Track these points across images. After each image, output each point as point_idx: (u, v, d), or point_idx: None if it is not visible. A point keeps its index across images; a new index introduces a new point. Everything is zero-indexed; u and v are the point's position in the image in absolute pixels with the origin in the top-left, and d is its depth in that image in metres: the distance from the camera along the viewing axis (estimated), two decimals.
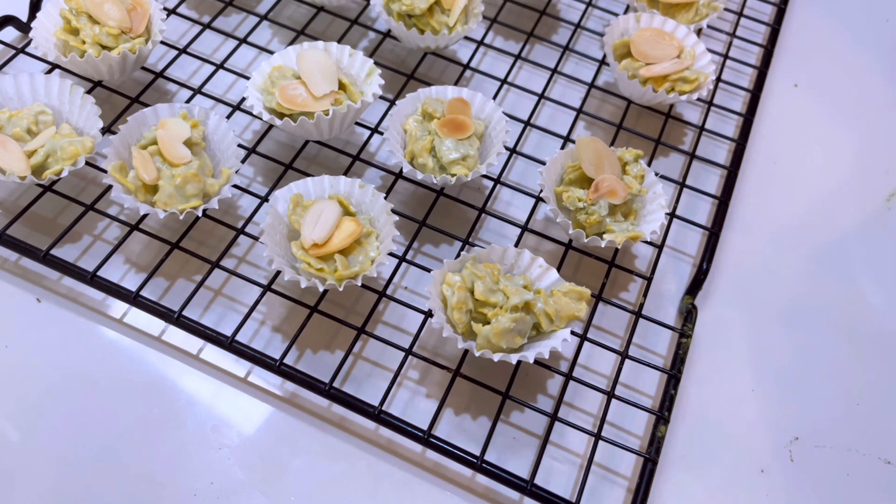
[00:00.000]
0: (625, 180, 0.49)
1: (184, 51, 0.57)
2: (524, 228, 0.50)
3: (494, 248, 0.45)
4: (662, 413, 0.45)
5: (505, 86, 0.59)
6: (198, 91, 0.55)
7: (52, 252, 0.46)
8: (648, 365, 0.46)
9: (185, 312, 0.45)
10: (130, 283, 0.48)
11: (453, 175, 0.48)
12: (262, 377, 0.46)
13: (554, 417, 0.44)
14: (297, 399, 0.45)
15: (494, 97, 0.56)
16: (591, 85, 0.60)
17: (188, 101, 0.54)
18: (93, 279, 0.45)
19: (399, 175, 0.52)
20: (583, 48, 0.64)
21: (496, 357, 0.41)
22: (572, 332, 0.44)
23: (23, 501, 0.41)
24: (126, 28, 0.51)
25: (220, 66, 0.56)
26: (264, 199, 0.50)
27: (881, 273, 0.54)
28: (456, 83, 0.60)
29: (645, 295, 0.49)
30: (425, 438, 0.42)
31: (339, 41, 0.56)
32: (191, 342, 0.46)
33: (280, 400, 0.45)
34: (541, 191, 0.49)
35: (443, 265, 0.44)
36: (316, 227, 0.44)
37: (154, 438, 0.43)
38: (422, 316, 0.46)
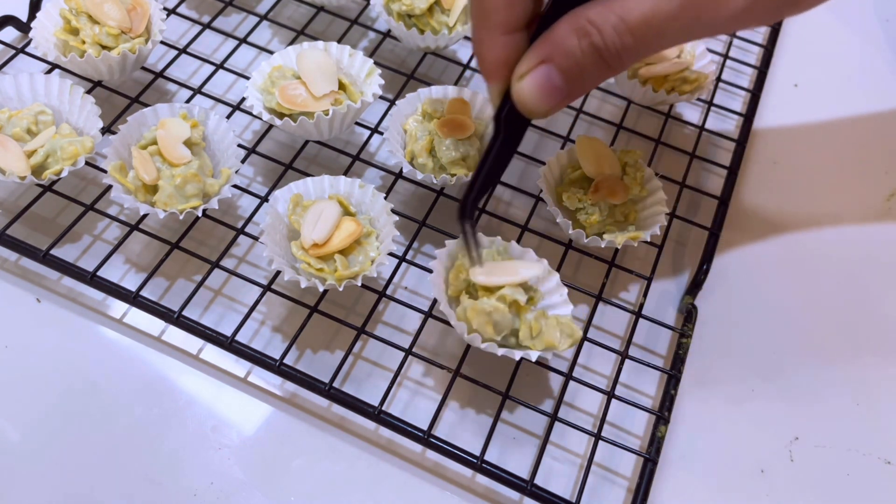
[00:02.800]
0: (625, 180, 0.49)
1: (184, 51, 0.57)
2: (524, 228, 0.50)
3: (529, 252, 0.45)
4: (662, 413, 0.45)
5: None
6: (198, 91, 0.55)
7: (52, 252, 0.46)
8: (648, 365, 0.46)
9: (185, 312, 0.45)
10: (130, 283, 0.48)
11: (453, 175, 0.48)
12: (262, 377, 0.46)
13: (554, 417, 0.44)
14: (297, 399, 0.45)
15: None
16: None
17: (188, 101, 0.54)
18: (93, 279, 0.45)
19: (399, 175, 0.52)
20: None
21: (462, 330, 0.41)
22: None
23: (23, 501, 0.41)
24: (126, 28, 0.51)
25: (220, 66, 0.56)
26: (264, 199, 0.50)
27: (881, 273, 0.54)
28: (456, 83, 0.60)
29: (645, 295, 0.49)
30: (425, 438, 0.42)
31: (339, 41, 0.56)
32: (191, 342, 0.46)
33: (280, 400, 0.45)
34: (541, 191, 0.49)
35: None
36: (316, 227, 0.44)
37: (154, 438, 0.43)
38: (422, 316, 0.46)
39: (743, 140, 0.58)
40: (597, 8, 0.34)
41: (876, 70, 0.67)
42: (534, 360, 0.42)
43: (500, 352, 0.41)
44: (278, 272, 0.46)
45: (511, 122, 0.37)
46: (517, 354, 0.42)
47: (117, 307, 0.47)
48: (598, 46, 0.34)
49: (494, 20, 0.36)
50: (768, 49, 0.65)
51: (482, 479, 0.44)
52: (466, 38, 0.61)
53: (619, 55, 0.34)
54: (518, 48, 0.36)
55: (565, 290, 0.45)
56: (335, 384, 0.43)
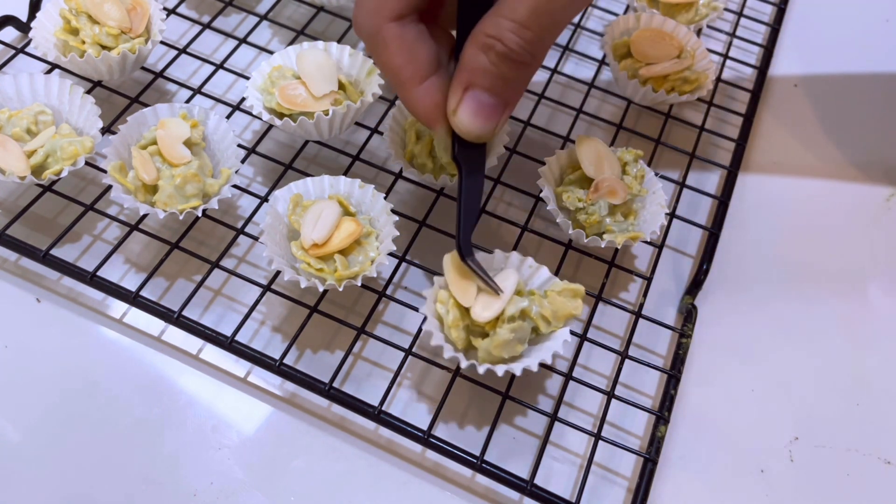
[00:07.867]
0: (625, 180, 0.49)
1: (184, 51, 0.57)
2: (524, 228, 0.50)
3: (496, 256, 0.45)
4: (662, 413, 0.45)
5: None
6: (198, 91, 0.55)
7: (52, 252, 0.46)
8: (648, 365, 0.46)
9: (184, 312, 0.45)
10: (130, 283, 0.48)
11: (453, 175, 0.48)
12: (261, 377, 0.46)
13: (554, 417, 0.44)
14: (297, 399, 0.45)
15: None
16: (591, 85, 0.60)
17: (188, 101, 0.54)
18: (93, 279, 0.45)
19: (399, 175, 0.52)
20: (582, 48, 0.64)
21: (500, 370, 0.41)
22: (572, 332, 0.44)
23: (23, 501, 0.41)
24: (126, 28, 0.51)
25: (220, 66, 0.56)
26: (264, 199, 0.50)
27: (881, 273, 0.54)
28: None
29: (645, 295, 0.49)
30: (425, 438, 0.42)
31: (339, 41, 0.56)
32: (190, 342, 0.46)
33: (280, 400, 0.45)
34: (541, 191, 0.49)
35: (433, 284, 0.43)
36: (316, 227, 0.44)
37: (154, 438, 0.43)
38: (422, 316, 0.46)
39: (743, 140, 0.58)
40: (488, 20, 0.35)
41: (876, 70, 0.67)
42: (567, 339, 0.42)
43: (536, 362, 0.41)
44: (278, 272, 0.46)
45: (467, 155, 0.39)
46: (548, 352, 0.42)
47: (117, 307, 0.47)
48: (506, 53, 0.35)
49: (405, 76, 0.38)
50: (768, 49, 0.65)
51: (482, 479, 0.44)
52: None
53: (528, 51, 0.35)
54: (440, 90, 0.38)
55: (529, 259, 0.44)
56: (335, 384, 0.43)
